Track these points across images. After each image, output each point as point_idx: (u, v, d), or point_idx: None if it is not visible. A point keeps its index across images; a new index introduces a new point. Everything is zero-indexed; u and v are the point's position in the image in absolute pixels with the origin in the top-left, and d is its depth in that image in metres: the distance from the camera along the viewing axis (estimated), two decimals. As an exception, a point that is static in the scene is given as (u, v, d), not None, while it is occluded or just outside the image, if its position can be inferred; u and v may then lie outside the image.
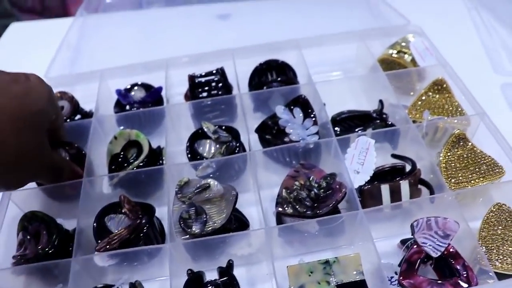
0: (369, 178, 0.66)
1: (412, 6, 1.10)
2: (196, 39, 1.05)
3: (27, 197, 0.69)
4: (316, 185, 0.63)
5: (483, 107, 0.77)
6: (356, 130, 0.77)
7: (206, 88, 0.84)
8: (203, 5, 1.21)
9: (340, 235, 0.66)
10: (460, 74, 0.84)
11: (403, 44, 0.91)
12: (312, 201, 0.61)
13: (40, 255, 0.60)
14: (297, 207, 0.62)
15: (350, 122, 0.78)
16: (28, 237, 0.62)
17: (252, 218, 0.69)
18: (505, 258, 0.60)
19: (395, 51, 0.88)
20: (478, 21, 1.13)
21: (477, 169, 0.69)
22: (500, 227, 0.62)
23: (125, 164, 0.73)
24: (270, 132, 0.75)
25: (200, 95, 0.82)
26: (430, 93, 0.81)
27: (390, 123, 0.77)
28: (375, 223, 0.66)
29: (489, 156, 0.70)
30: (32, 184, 0.72)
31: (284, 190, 0.63)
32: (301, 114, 0.73)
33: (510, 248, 0.60)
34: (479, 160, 0.70)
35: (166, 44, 1.04)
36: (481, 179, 0.68)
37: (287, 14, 1.14)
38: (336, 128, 0.77)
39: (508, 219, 0.62)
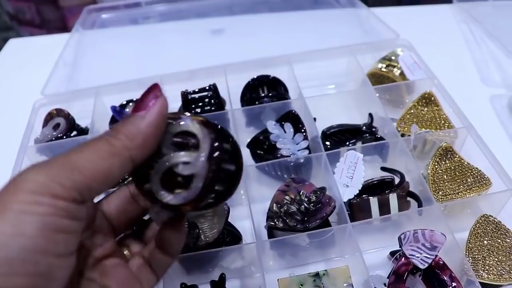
0: (358, 191, 0.67)
1: (402, 20, 1.12)
2: (190, 54, 1.07)
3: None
4: (306, 199, 0.64)
5: (472, 119, 0.79)
6: (347, 143, 0.79)
7: (200, 104, 0.85)
8: (197, 20, 1.24)
9: (331, 247, 0.67)
10: (449, 86, 0.86)
11: (393, 58, 0.93)
12: (302, 215, 0.63)
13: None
14: (288, 221, 0.63)
15: (340, 136, 0.80)
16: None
17: (245, 231, 0.70)
18: (491, 269, 0.61)
19: (384, 65, 0.90)
20: (467, 34, 1.15)
21: (464, 181, 0.71)
22: (486, 238, 0.63)
23: (120, 181, 0.74)
24: (262, 147, 0.76)
25: (193, 111, 0.83)
26: (419, 106, 0.82)
27: (379, 136, 0.79)
28: (365, 236, 0.68)
29: (476, 168, 0.72)
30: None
31: (274, 205, 0.65)
32: (291, 129, 0.75)
33: (496, 259, 0.61)
34: (466, 172, 0.71)
35: (160, 59, 1.06)
36: (468, 191, 0.70)
37: (279, 29, 1.16)
38: (327, 142, 0.79)
39: (494, 230, 0.64)
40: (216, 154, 0.35)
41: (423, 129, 0.78)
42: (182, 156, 0.35)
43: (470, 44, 1.12)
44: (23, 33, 2.34)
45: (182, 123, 0.36)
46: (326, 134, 0.79)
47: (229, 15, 1.28)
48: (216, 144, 0.35)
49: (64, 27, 2.38)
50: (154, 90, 0.35)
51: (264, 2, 1.30)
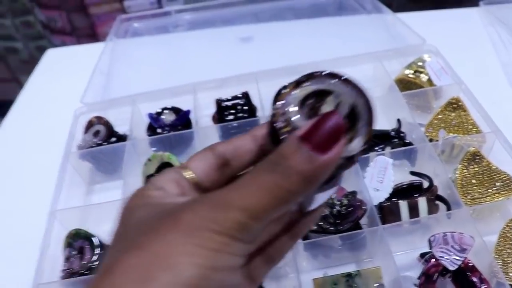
0: (388, 195, 0.70)
1: (428, 25, 1.14)
2: (220, 62, 1.11)
3: (71, 216, 0.75)
4: (338, 202, 0.67)
5: (500, 123, 0.81)
6: (376, 148, 0.81)
7: (232, 111, 0.89)
8: (225, 28, 1.28)
9: (362, 249, 0.70)
10: (476, 90, 0.87)
11: (419, 63, 0.94)
12: (334, 218, 0.66)
13: (86, 269, 0.66)
14: (321, 223, 0.66)
15: (369, 141, 0.82)
16: (74, 252, 0.68)
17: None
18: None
19: (411, 71, 0.92)
20: (495, 37, 1.16)
21: (492, 185, 0.72)
22: (515, 241, 0.65)
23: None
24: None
25: (227, 118, 0.87)
26: (446, 112, 0.84)
27: (408, 141, 0.81)
28: (395, 238, 0.70)
29: (505, 172, 0.73)
30: (75, 203, 0.78)
31: (308, 208, 0.68)
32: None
33: (527, 261, 0.63)
34: (494, 176, 0.73)
35: (190, 67, 1.10)
36: (497, 194, 0.71)
37: (306, 36, 1.19)
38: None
39: (523, 233, 0.66)
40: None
41: (451, 134, 0.80)
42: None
43: (498, 47, 1.13)
44: (55, 41, 2.42)
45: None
46: (355, 140, 0.82)
47: (256, 22, 1.31)
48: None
49: (93, 34, 2.46)
50: (338, 131, 0.28)
51: (289, 8, 1.33)
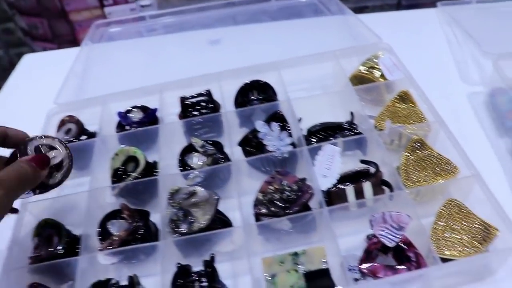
0: (335, 181, 0.75)
1: (389, 25, 1.22)
2: (189, 64, 1.15)
3: (42, 208, 0.80)
4: (288, 188, 0.72)
5: (451, 114, 0.87)
6: (330, 139, 0.87)
7: (197, 107, 0.94)
8: (196, 31, 1.33)
9: (312, 232, 0.75)
10: (430, 85, 0.93)
11: (375, 60, 1.00)
12: (284, 202, 0.71)
13: (52, 255, 0.70)
14: (271, 208, 0.71)
15: (324, 133, 0.87)
16: (42, 241, 0.72)
17: (236, 220, 0.78)
18: (455, 246, 0.68)
19: (366, 68, 0.98)
20: (450, 36, 1.22)
21: (433, 170, 0.78)
22: (450, 220, 0.70)
23: (125, 177, 0.83)
24: (251, 145, 0.84)
25: (190, 114, 0.92)
26: (396, 104, 0.90)
27: (358, 132, 0.86)
28: (344, 221, 0.75)
29: (445, 158, 0.79)
30: (46, 195, 0.83)
31: (261, 194, 0.73)
32: (277, 128, 0.83)
33: (458, 237, 0.68)
34: (435, 161, 0.79)
35: (162, 69, 1.15)
36: (438, 177, 0.77)
37: (272, 37, 1.24)
38: (313, 139, 0.87)
39: (457, 212, 0.71)
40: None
41: (399, 124, 0.85)
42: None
43: (452, 46, 1.19)
44: (36, 47, 2.45)
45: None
46: (311, 132, 0.87)
47: (228, 25, 1.37)
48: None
49: (74, 40, 2.50)
50: (46, 162, 0.59)
51: (263, 12, 1.38)
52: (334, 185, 0.75)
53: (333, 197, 0.74)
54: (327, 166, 0.76)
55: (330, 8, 1.35)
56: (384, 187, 0.77)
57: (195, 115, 0.93)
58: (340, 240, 0.73)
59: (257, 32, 1.31)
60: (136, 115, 0.97)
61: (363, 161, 0.81)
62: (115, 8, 3.07)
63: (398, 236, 0.66)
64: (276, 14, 1.40)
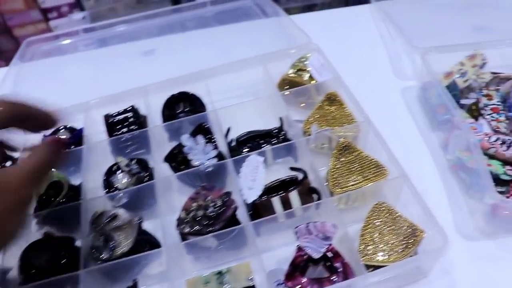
0: (260, 192, 0.73)
1: (323, 24, 1.21)
2: (121, 77, 1.12)
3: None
4: (212, 204, 0.70)
5: (385, 111, 0.88)
6: (262, 147, 0.85)
7: (125, 124, 0.91)
8: (130, 43, 1.29)
9: (244, 247, 0.73)
10: (363, 83, 0.93)
11: (305, 62, 0.99)
12: (207, 219, 0.69)
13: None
14: (196, 227, 0.69)
15: (253, 142, 0.85)
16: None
17: (165, 240, 0.75)
18: (385, 252, 0.67)
19: (294, 70, 0.97)
20: (384, 31, 1.22)
21: (362, 173, 0.77)
22: (379, 224, 0.69)
23: (48, 203, 0.79)
24: (177, 160, 0.82)
25: (116, 133, 0.88)
26: (325, 106, 0.89)
27: (287, 138, 0.84)
28: (274, 233, 0.74)
29: (374, 160, 0.78)
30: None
31: (184, 212, 0.71)
32: (203, 140, 0.80)
33: (388, 242, 0.67)
34: (364, 164, 0.78)
35: (89, 85, 1.11)
36: (367, 181, 0.76)
37: (206, 45, 1.22)
38: (245, 149, 0.84)
39: (386, 216, 0.70)
40: None
41: (328, 127, 0.84)
42: None
43: (386, 41, 1.19)
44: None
45: None
46: (240, 142, 0.85)
47: (162, 34, 1.33)
48: None
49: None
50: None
51: (194, 19, 1.36)
52: (260, 197, 0.73)
53: (260, 209, 0.72)
54: (252, 177, 0.74)
55: (265, 10, 1.34)
56: (314, 195, 0.76)
57: (124, 133, 0.89)
58: (271, 253, 0.72)
59: (192, 40, 1.29)
60: (64, 137, 0.93)
61: (292, 168, 0.80)
62: (61, 21, 2.99)
63: (324, 246, 0.65)
64: (212, 20, 1.38)
